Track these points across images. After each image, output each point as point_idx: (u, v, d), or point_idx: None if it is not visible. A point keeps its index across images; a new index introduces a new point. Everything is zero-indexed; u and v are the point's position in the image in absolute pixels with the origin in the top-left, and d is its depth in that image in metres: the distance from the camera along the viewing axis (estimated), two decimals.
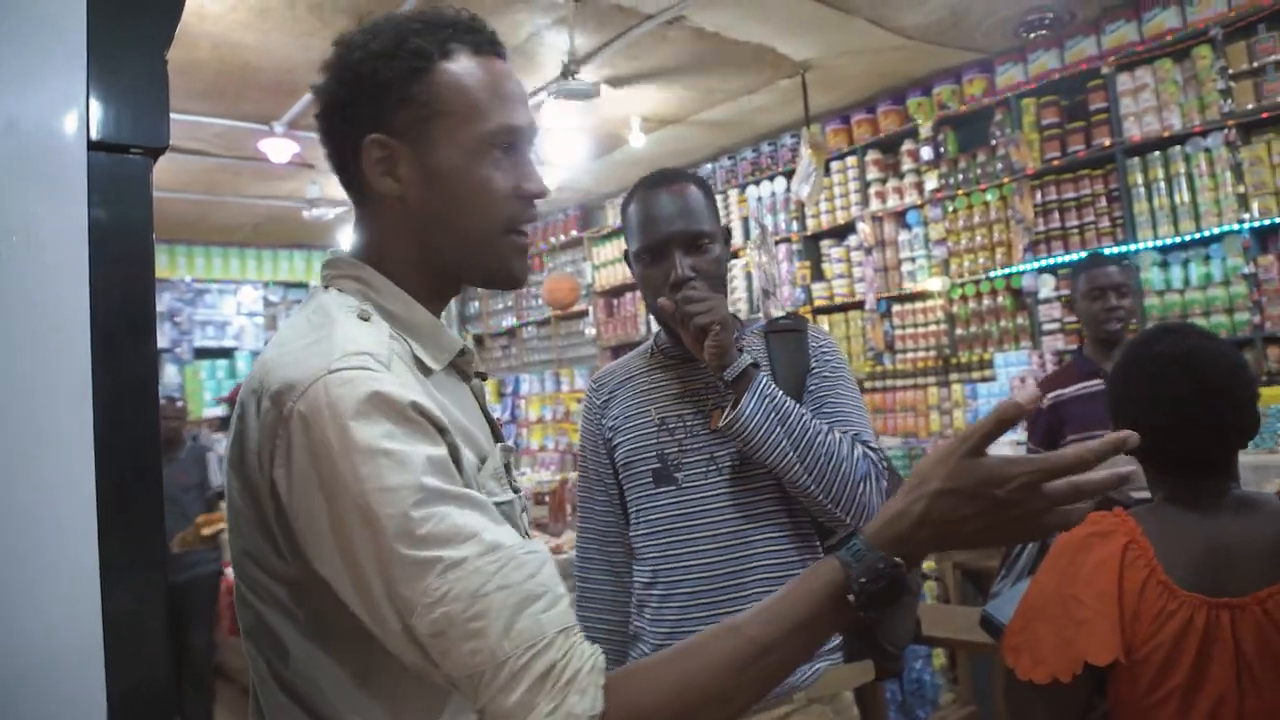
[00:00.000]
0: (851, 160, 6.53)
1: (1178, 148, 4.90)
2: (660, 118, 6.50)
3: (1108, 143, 5.14)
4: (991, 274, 5.71)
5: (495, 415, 1.17)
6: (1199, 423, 1.48)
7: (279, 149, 6.25)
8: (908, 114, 6.23)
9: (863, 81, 6.07)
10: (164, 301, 9.37)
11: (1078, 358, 3.34)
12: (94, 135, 0.86)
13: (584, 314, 8.90)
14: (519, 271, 1.09)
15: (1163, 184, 4.94)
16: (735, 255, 7.11)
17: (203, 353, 9.69)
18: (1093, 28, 5.22)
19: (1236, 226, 4.66)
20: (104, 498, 0.82)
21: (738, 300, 7.13)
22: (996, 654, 1.81)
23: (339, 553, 0.85)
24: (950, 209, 5.93)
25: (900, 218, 6.31)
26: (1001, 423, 0.85)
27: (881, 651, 1.85)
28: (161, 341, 8.93)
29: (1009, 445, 4.49)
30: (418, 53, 1.01)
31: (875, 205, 6.37)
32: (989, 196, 5.72)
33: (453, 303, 1.27)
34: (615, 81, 5.64)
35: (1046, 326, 5.45)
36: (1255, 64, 4.57)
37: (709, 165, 7.60)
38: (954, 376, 5.94)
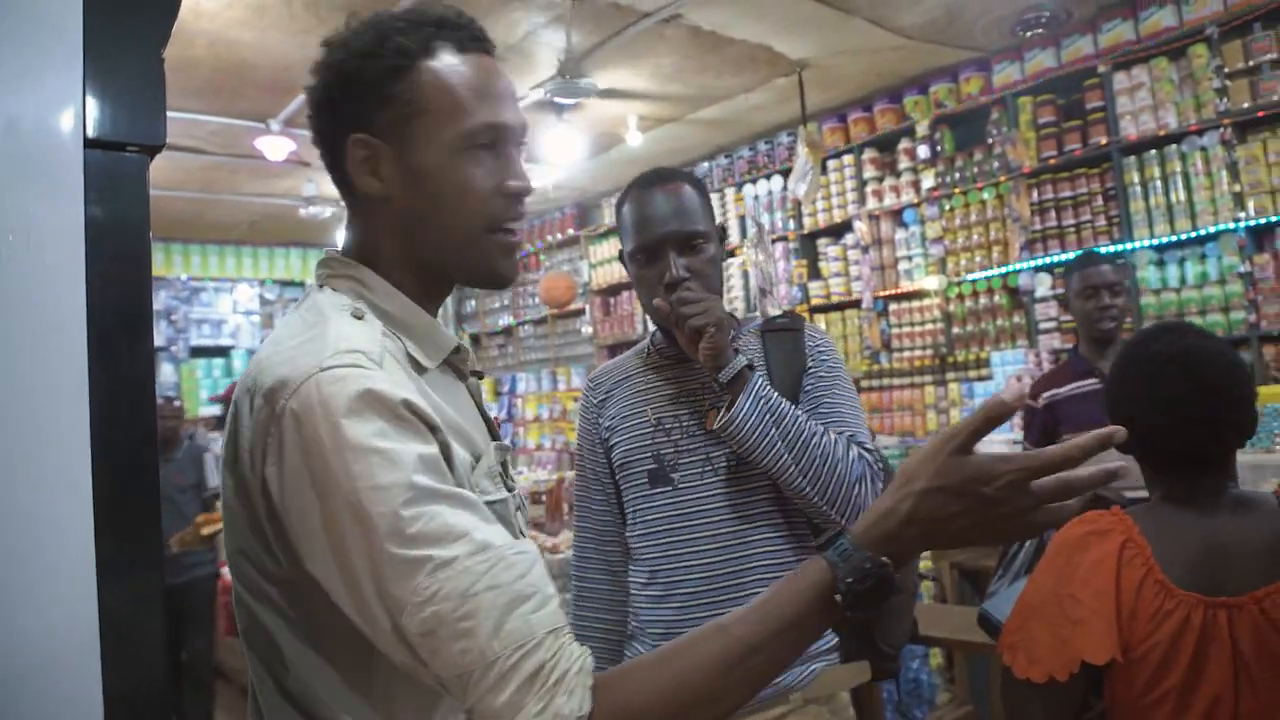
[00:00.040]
0: (848, 159, 6.53)
1: (1174, 146, 4.91)
2: (657, 116, 6.49)
3: (1104, 141, 5.14)
4: (988, 273, 5.72)
5: (492, 414, 1.16)
6: (1196, 421, 1.48)
7: (275, 147, 6.24)
8: (904, 112, 6.23)
9: (859, 80, 6.08)
10: (160, 300, 9.35)
11: (1073, 357, 3.34)
12: (90, 133, 0.86)
13: (581, 312, 8.90)
14: (506, 270, 1.08)
15: (1159, 182, 4.95)
16: (732, 254, 7.12)
17: (199, 351, 9.67)
18: (1089, 26, 5.23)
19: (1232, 225, 4.66)
20: (101, 496, 0.82)
21: (734, 299, 7.13)
22: (994, 653, 1.81)
23: (330, 551, 0.85)
24: (947, 207, 5.94)
25: (897, 216, 6.32)
26: (989, 420, 0.84)
27: (878, 652, 1.85)
28: (157, 340, 8.91)
29: (1005, 445, 4.49)
30: (400, 51, 1.01)
31: (872, 204, 6.37)
32: (985, 195, 5.73)
33: (449, 301, 1.26)
34: (612, 80, 5.64)
35: (1043, 325, 5.45)
36: (1251, 63, 4.57)
37: (706, 164, 7.61)
38: (950, 375, 5.94)
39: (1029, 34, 5.17)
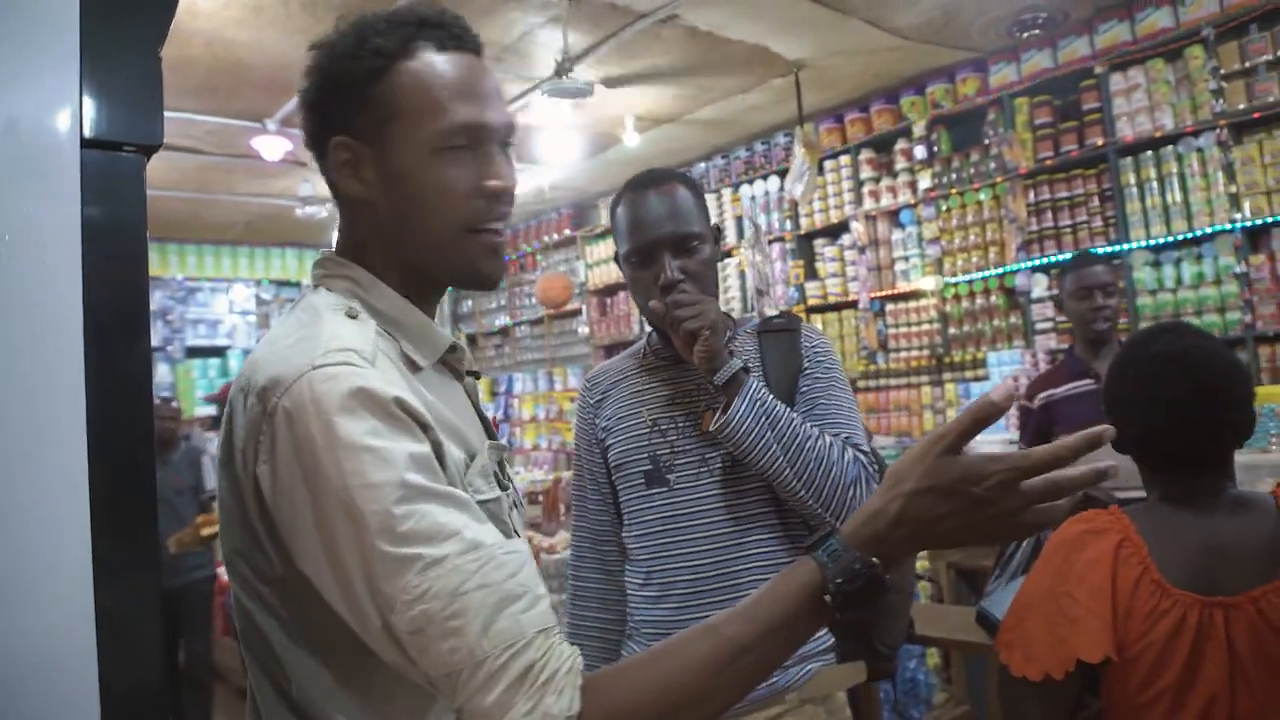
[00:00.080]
0: (845, 159, 6.53)
1: (1170, 147, 4.91)
2: (654, 117, 6.49)
3: (1100, 142, 5.15)
4: (985, 273, 5.73)
5: (489, 414, 1.16)
6: (1195, 422, 1.48)
7: (271, 146, 6.23)
8: (901, 113, 6.23)
9: (856, 81, 6.08)
10: (156, 300, 9.33)
11: (1069, 357, 3.35)
12: (87, 133, 0.85)
13: (577, 313, 8.89)
14: (489, 270, 1.06)
15: (1155, 184, 4.96)
16: (729, 254, 7.13)
17: (194, 351, 9.65)
18: (1086, 27, 5.23)
19: (1228, 226, 4.67)
20: (97, 496, 0.82)
21: (731, 299, 7.13)
22: (991, 653, 1.81)
23: (322, 549, 0.85)
24: (943, 208, 5.94)
25: (893, 217, 6.32)
26: (977, 421, 0.83)
27: (874, 652, 1.85)
28: (153, 340, 8.89)
29: (1001, 445, 4.50)
30: (377, 52, 1.00)
31: (869, 204, 6.37)
32: (982, 196, 5.74)
33: (445, 302, 1.25)
34: (609, 80, 5.64)
35: (1039, 326, 5.46)
36: (1247, 64, 4.58)
37: (702, 164, 7.61)
38: (947, 376, 5.95)
39: (1026, 35, 5.18)
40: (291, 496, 0.86)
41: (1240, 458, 1.57)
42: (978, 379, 5.72)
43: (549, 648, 0.82)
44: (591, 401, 1.90)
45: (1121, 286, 4.79)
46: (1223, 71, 4.65)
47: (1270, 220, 4.56)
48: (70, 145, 0.85)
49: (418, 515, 0.83)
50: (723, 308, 1.88)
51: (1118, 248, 5.07)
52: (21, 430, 0.80)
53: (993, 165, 5.63)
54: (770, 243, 6.87)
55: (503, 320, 9.99)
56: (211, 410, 7.13)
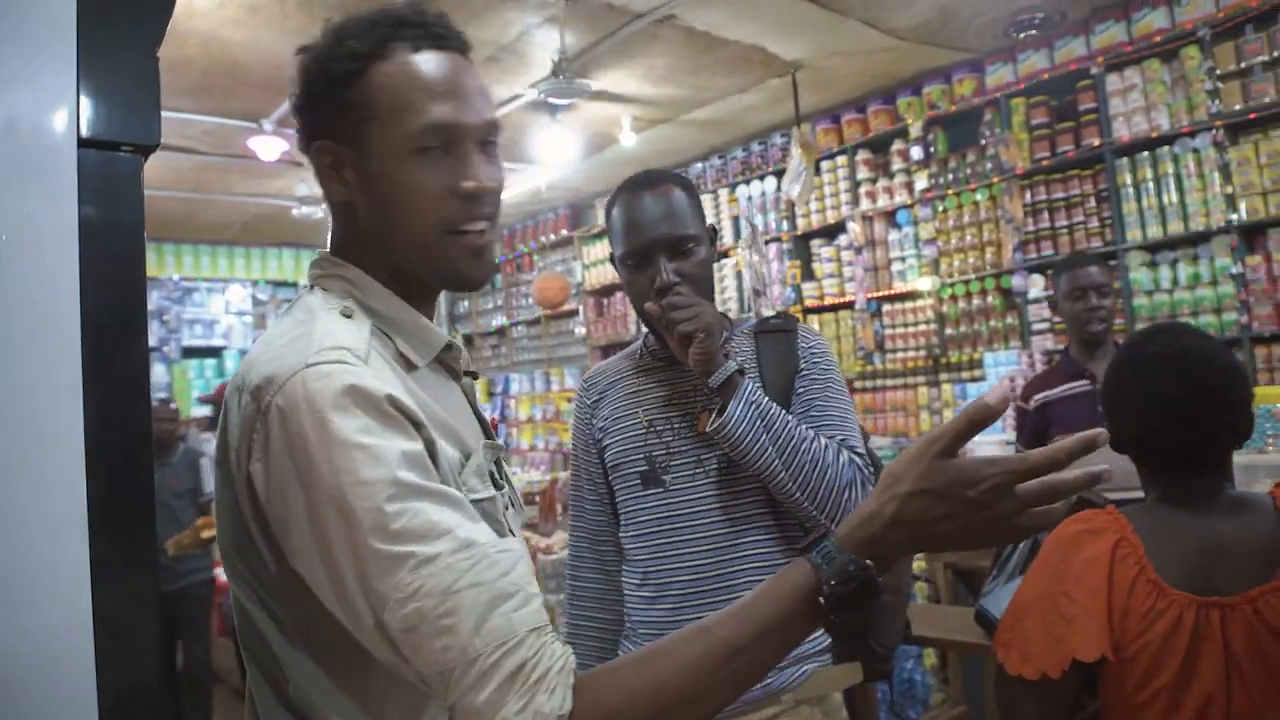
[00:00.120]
0: (842, 160, 6.54)
1: (1166, 148, 4.93)
2: (651, 117, 6.49)
3: (1097, 143, 5.16)
4: (981, 274, 5.73)
5: (486, 415, 1.16)
6: (1192, 422, 1.48)
7: (268, 146, 6.22)
8: (898, 114, 6.24)
9: (853, 81, 6.08)
10: (152, 300, 9.32)
11: (1064, 358, 3.35)
12: (84, 133, 0.85)
13: (574, 313, 8.89)
14: (471, 271, 1.05)
15: (1151, 184, 4.97)
16: (725, 255, 7.13)
17: (191, 351, 9.63)
18: (1082, 28, 5.24)
19: (1224, 225, 4.68)
20: (95, 496, 0.82)
21: (728, 300, 7.13)
22: (988, 653, 1.81)
23: (315, 546, 0.85)
24: (940, 209, 5.95)
25: (890, 217, 6.33)
26: (973, 423, 0.83)
27: (871, 653, 1.85)
28: (149, 340, 8.87)
29: (997, 446, 4.50)
30: (353, 55, 1.00)
31: (865, 205, 6.38)
32: (979, 196, 5.74)
33: (442, 302, 1.24)
34: (606, 80, 5.64)
35: (1036, 326, 5.47)
36: (1243, 65, 4.59)
37: (699, 164, 7.61)
38: (944, 376, 5.96)
39: (1022, 35, 5.19)
40: (284, 494, 0.86)
41: (1237, 458, 1.57)
42: (974, 379, 5.73)
43: (541, 646, 0.82)
44: (589, 402, 1.90)
45: (1117, 287, 4.81)
46: (1219, 72, 4.66)
47: (1266, 221, 4.57)
48: (67, 145, 0.85)
49: (410, 513, 0.83)
50: (720, 308, 1.88)
51: (1114, 248, 5.08)
52: (20, 430, 0.80)
53: (989, 166, 5.64)
54: (767, 243, 6.86)
55: (499, 320, 9.98)
56: (207, 411, 7.11)
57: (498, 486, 1.06)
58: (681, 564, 1.70)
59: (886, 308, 6.34)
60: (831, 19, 4.94)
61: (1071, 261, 3.38)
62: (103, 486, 0.82)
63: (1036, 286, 5.45)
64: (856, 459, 1.68)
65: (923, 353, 6.07)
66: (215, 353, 9.67)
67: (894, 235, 6.28)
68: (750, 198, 7.16)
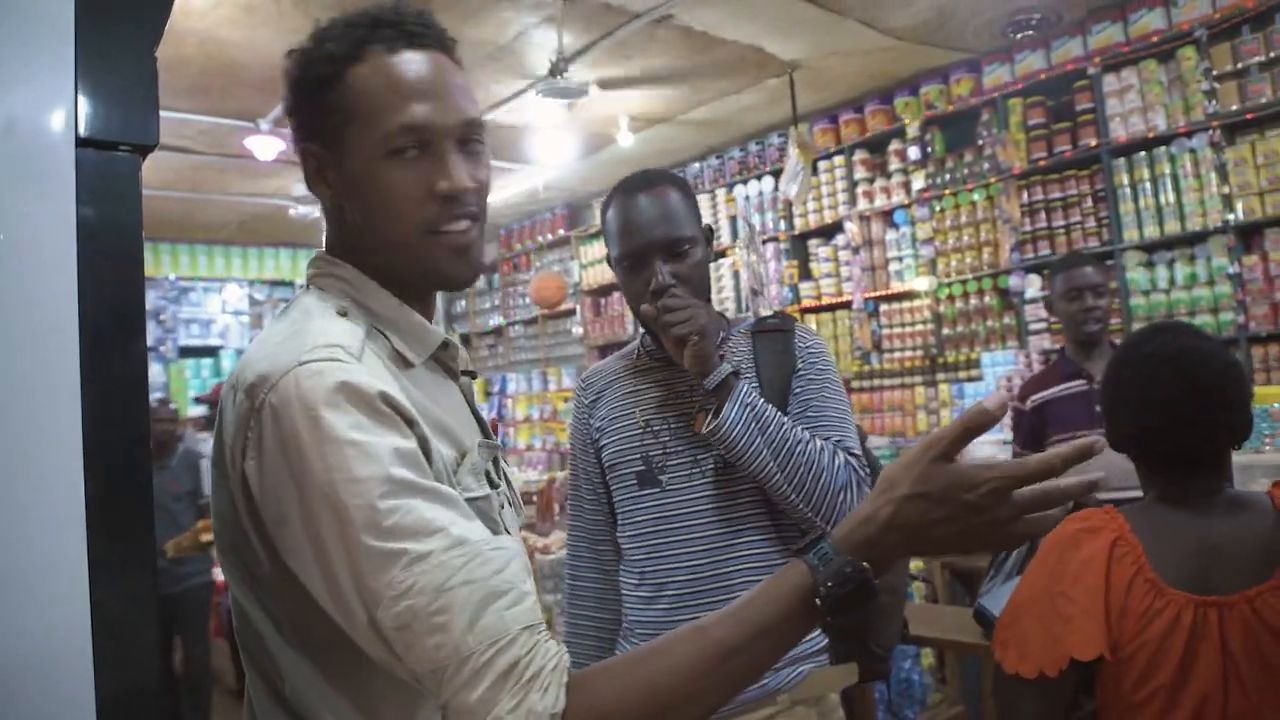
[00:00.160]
0: (839, 160, 6.55)
1: (1163, 148, 4.93)
2: (648, 117, 6.49)
3: (1094, 143, 5.17)
4: (979, 274, 5.74)
5: (485, 415, 1.16)
6: (1189, 422, 1.48)
7: (265, 146, 6.22)
8: (895, 114, 6.25)
9: (851, 81, 6.09)
10: (149, 300, 9.29)
11: (1060, 358, 3.36)
12: (82, 132, 0.85)
13: (571, 313, 8.90)
14: (454, 271, 1.04)
15: (1148, 184, 4.98)
16: (723, 255, 7.13)
17: (187, 351, 9.63)
18: (1079, 28, 5.25)
19: (1221, 225, 4.69)
20: (93, 496, 0.82)
21: (726, 299, 7.14)
22: (986, 653, 1.82)
23: (308, 544, 0.85)
24: (937, 209, 5.96)
25: (887, 217, 6.33)
26: (970, 429, 0.83)
27: (868, 653, 1.85)
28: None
29: (994, 445, 4.51)
30: (330, 59, 1.00)
31: (862, 205, 6.38)
32: (976, 196, 5.75)
33: (439, 301, 1.24)
34: (603, 80, 5.64)
35: (1033, 326, 5.48)
36: (1239, 65, 4.60)
37: (697, 164, 7.61)
38: (941, 376, 5.96)
39: (1019, 36, 5.19)
40: (278, 492, 0.86)
41: (1235, 458, 1.57)
42: (971, 379, 5.74)
43: (534, 644, 0.82)
44: (586, 401, 1.90)
45: (1114, 287, 4.82)
46: (1215, 72, 4.67)
47: (1263, 221, 4.58)
48: (65, 145, 0.84)
49: (403, 510, 0.83)
50: (717, 308, 1.88)
51: (1111, 248, 5.08)
52: (18, 430, 0.80)
53: (986, 166, 5.64)
54: (764, 243, 6.87)
55: (496, 320, 9.98)
56: (203, 410, 7.10)
57: (494, 485, 1.06)
58: (678, 564, 1.70)
59: (884, 308, 6.34)
60: (829, 19, 4.94)
61: (1067, 261, 3.38)
62: (101, 486, 0.82)
63: (1033, 286, 5.46)
64: (852, 460, 1.68)
65: (920, 353, 6.07)
66: (212, 352, 9.66)
67: (891, 235, 6.28)
68: (748, 198, 7.16)
